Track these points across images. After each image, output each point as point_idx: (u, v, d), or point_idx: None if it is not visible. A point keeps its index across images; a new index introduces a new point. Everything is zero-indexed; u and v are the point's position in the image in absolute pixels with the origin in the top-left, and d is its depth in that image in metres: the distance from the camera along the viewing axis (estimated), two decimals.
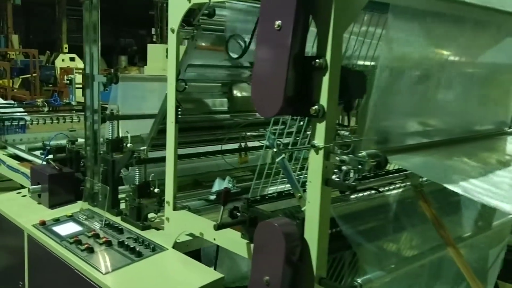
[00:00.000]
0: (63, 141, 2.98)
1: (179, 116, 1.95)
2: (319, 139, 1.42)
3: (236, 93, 2.98)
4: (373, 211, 1.75)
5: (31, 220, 2.36)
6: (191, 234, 2.04)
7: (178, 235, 2.00)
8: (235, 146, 2.79)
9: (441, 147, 1.68)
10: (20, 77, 15.57)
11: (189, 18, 1.94)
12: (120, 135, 2.45)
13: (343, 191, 1.76)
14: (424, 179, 1.66)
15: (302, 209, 1.55)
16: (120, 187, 2.45)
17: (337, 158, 1.41)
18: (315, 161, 1.43)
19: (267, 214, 1.63)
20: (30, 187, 2.60)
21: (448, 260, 1.76)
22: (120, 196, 2.44)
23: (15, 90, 14.37)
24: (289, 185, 1.83)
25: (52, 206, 2.51)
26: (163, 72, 6.30)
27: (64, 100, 4.26)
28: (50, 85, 15.69)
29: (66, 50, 17.46)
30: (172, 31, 1.91)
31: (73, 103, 4.18)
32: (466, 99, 1.78)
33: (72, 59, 15.47)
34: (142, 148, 2.30)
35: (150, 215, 2.22)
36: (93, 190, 2.49)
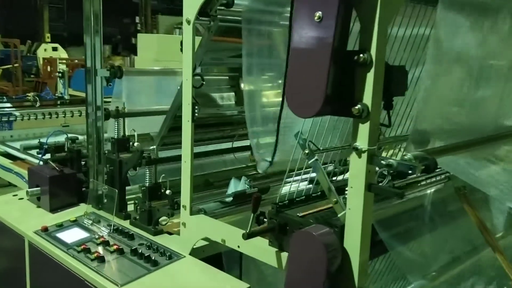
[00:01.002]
0: (60, 139, 2.81)
1: (196, 114, 1.81)
2: (361, 141, 1.30)
3: (244, 86, 2.84)
4: (408, 214, 1.65)
5: (31, 226, 2.20)
6: (206, 239, 1.92)
7: (196, 241, 1.87)
8: (244, 142, 2.66)
9: (480, 146, 1.58)
10: (1, 67, 15.12)
11: (205, 8, 1.79)
12: (126, 134, 2.31)
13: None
14: None
15: (339, 215, 1.44)
16: (127, 187, 2.31)
17: (383, 162, 1.30)
18: (357, 165, 1.32)
19: (300, 221, 1.51)
20: (29, 189, 2.44)
21: (485, 263, 1.68)
22: (128, 196, 2.30)
23: None
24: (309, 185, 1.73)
25: (53, 210, 2.36)
26: (156, 64, 6.09)
27: (57, 94, 4.06)
28: (33, 76, 15.27)
29: (49, 40, 17.00)
30: (188, 22, 1.77)
31: (66, 96, 3.99)
32: (503, 95, 1.67)
33: (54, 49, 15.06)
34: (151, 147, 2.16)
35: (162, 219, 2.09)
36: (98, 192, 2.34)
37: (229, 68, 2.73)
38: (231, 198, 2.08)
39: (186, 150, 1.85)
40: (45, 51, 15.37)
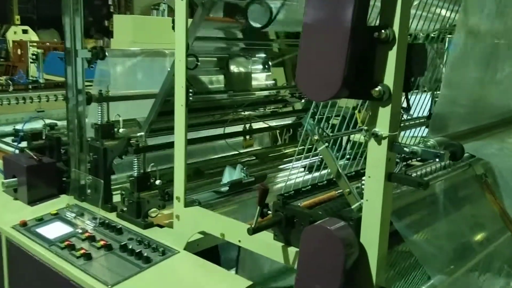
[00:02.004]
0: (37, 125, 2.62)
1: (190, 98, 1.67)
2: (382, 127, 1.19)
3: (233, 68, 2.70)
4: (422, 203, 1.55)
5: (8, 220, 2.03)
6: (203, 232, 1.78)
7: (191, 235, 1.74)
8: (236, 128, 2.53)
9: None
10: None
11: None
12: (110, 119, 2.14)
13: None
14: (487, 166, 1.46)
15: (353, 207, 1.33)
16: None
17: (406, 149, 1.18)
18: (377, 153, 1.20)
19: (309, 214, 1.39)
20: (4, 180, 2.25)
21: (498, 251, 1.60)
22: (112, 186, 2.15)
23: None
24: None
25: (31, 202, 2.18)
26: (133, 45, 5.83)
27: (31, 78, 3.83)
28: (2, 60, 14.70)
29: (18, 22, 16.36)
30: None
31: (41, 80, 3.76)
32: None
33: (25, 31, 14.48)
34: (139, 134, 2.00)
35: (152, 211, 1.95)
36: (80, 183, 2.18)
37: (217, 49, 2.58)
38: (227, 188, 1.95)
39: (179, 137, 1.70)
40: (15, 33, 14.76)
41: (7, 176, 2.28)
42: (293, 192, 1.50)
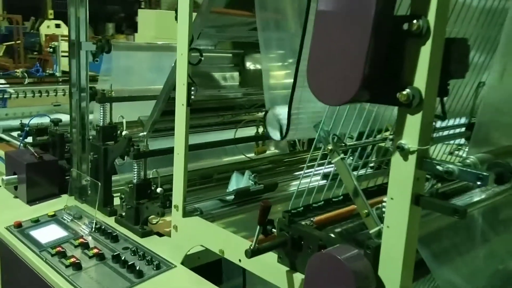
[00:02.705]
0: (46, 120, 2.50)
1: (192, 97, 1.49)
2: (410, 138, 0.98)
3: (249, 65, 2.51)
4: (454, 226, 1.33)
5: (4, 220, 1.91)
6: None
7: (188, 249, 1.56)
8: (249, 130, 2.34)
9: None
10: (4, 44, 14.80)
11: None
12: (114, 120, 1.98)
13: None
14: None
15: (371, 231, 1.13)
16: (113, 177, 2.00)
17: (440, 167, 0.97)
18: (402, 170, 1.00)
19: (319, 236, 1.19)
20: (4, 177, 2.13)
21: None
22: (114, 188, 1.99)
23: None
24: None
25: (30, 201, 2.05)
26: (155, 41, 5.70)
27: (48, 71, 3.74)
28: (35, 53, 14.95)
29: (52, 16, 16.63)
30: None
31: (58, 73, 3.66)
32: None
33: (57, 26, 14.69)
34: (141, 134, 1.83)
35: (152, 217, 1.79)
36: (81, 183, 2.03)
37: (232, 43, 2.39)
38: (232, 196, 1.76)
39: (179, 139, 1.53)
40: (48, 27, 15.03)
41: (8, 173, 2.17)
42: (302, 208, 1.30)
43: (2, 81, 3.68)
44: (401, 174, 1.00)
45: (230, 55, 2.38)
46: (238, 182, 1.83)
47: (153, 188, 1.83)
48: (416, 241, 1.07)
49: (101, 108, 1.93)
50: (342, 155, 1.18)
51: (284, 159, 2.39)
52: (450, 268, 1.29)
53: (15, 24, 14.47)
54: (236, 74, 2.42)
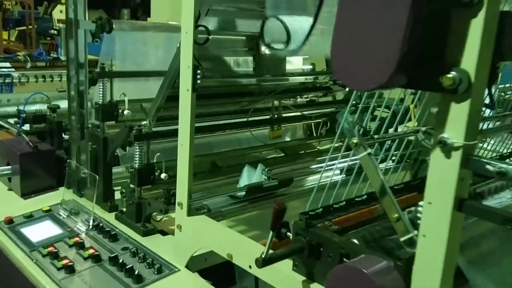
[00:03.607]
0: (44, 106, 2.36)
1: (198, 81, 1.32)
2: (454, 132, 0.80)
3: (265, 49, 2.33)
4: (494, 230, 1.16)
5: None
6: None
7: (193, 252, 1.41)
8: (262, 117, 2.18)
9: None
10: (16, 29, 14.74)
11: None
12: (114, 99, 1.83)
13: None
14: None
15: (402, 239, 0.96)
16: (114, 169, 1.85)
17: (489, 167, 0.80)
18: (444, 169, 0.82)
19: (340, 243, 1.03)
20: None
21: None
22: (115, 181, 1.85)
23: (10, 43, 13.59)
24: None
25: (25, 194, 1.91)
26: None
27: (52, 54, 3.60)
28: (48, 38, 14.87)
29: (64, 1, 16.45)
30: None
31: (62, 57, 3.51)
32: None
33: None
34: (144, 122, 1.68)
35: (156, 214, 1.64)
36: (80, 175, 1.89)
37: (246, 25, 2.21)
38: (243, 193, 1.60)
39: (183, 129, 1.37)
40: (60, 12, 14.90)
41: (2, 163, 2.03)
42: (321, 210, 1.14)
43: (7, 64, 3.55)
44: (442, 175, 0.82)
45: (244, 38, 2.20)
46: (250, 176, 1.67)
47: (157, 173, 1.68)
48: (458, 252, 0.90)
49: (101, 84, 1.77)
50: (369, 150, 1.01)
51: (299, 147, 2.23)
52: (485, 275, 1.13)
53: (27, 9, 14.39)
54: (250, 59, 2.25)
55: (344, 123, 1.03)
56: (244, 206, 1.59)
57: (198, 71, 1.32)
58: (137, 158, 1.61)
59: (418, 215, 0.91)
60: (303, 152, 2.21)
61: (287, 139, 2.43)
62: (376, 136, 1.06)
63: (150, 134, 1.64)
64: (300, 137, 2.55)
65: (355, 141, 1.02)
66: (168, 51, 1.98)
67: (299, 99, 2.49)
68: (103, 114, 1.74)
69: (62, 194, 1.89)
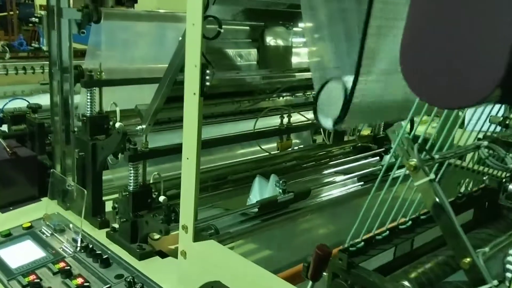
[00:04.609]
0: (24, 104, 2.11)
1: (207, 83, 1.10)
2: None
3: (270, 41, 2.11)
4: None
5: None
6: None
7: (201, 284, 1.19)
8: (271, 120, 1.96)
9: None
10: None
11: None
12: (104, 108, 1.59)
13: None
14: None
15: None
16: (104, 175, 1.62)
17: None
18: None
19: None
20: None
21: None
22: (105, 189, 1.62)
23: None
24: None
25: (3, 207, 1.68)
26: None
27: (33, 44, 3.33)
28: (31, 25, 14.41)
29: None
30: None
31: (44, 47, 3.25)
32: None
33: None
34: (139, 127, 1.45)
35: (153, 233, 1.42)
36: (65, 187, 1.66)
37: (249, 14, 1.98)
38: (255, 209, 1.39)
39: (189, 140, 1.14)
40: None
41: None
42: (362, 244, 0.93)
43: None
44: None
45: (248, 28, 1.97)
46: (261, 189, 1.46)
47: (154, 195, 1.46)
48: None
49: (88, 94, 1.54)
50: (432, 176, 0.80)
51: (310, 154, 2.02)
52: None
53: None
54: (253, 51, 2.02)
55: (400, 140, 0.82)
56: (257, 224, 1.38)
57: (207, 71, 1.09)
58: (131, 180, 1.38)
59: (509, 266, 0.70)
60: (313, 157, 2.00)
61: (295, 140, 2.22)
62: (436, 156, 0.85)
63: (146, 153, 1.41)
64: (306, 139, 2.34)
65: (413, 163, 0.81)
66: (164, 43, 1.75)
67: (304, 96, 2.28)
68: (91, 128, 1.51)
69: (45, 206, 1.66)
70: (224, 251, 1.17)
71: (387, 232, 0.99)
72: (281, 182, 1.43)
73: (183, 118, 1.35)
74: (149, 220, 1.38)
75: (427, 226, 1.05)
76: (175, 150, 1.42)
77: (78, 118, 1.64)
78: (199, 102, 1.11)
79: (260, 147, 1.89)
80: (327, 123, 0.97)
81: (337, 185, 1.69)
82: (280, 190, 1.43)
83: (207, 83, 1.10)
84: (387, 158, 1.94)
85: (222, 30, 1.18)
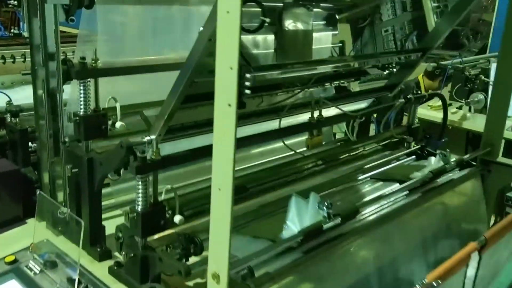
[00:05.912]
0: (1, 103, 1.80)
1: (247, 91, 0.81)
2: None
3: (288, 24, 1.81)
4: None
5: None
6: None
7: None
8: (297, 118, 1.67)
9: None
10: None
11: None
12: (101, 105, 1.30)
13: None
14: None
15: None
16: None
17: None
18: None
19: None
20: None
21: None
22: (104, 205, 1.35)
23: None
24: None
25: None
26: None
27: (12, 30, 2.98)
28: (11, 6, 13.83)
29: None
30: None
31: (25, 33, 2.90)
32: None
33: None
34: (146, 139, 1.16)
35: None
36: (56, 214, 1.36)
37: None
38: (298, 240, 1.12)
39: (221, 165, 0.86)
40: None
41: None
42: None
43: None
44: None
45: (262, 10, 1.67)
46: (300, 211, 1.18)
47: (168, 215, 1.19)
48: None
49: (81, 87, 1.24)
50: None
51: (339, 153, 1.75)
52: None
53: None
54: (270, 37, 1.72)
55: None
56: (299, 258, 1.11)
57: (247, 75, 0.80)
58: (140, 197, 1.10)
59: None
60: (342, 158, 1.73)
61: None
62: None
63: (158, 163, 1.12)
64: (328, 134, 2.07)
65: None
66: (172, 31, 1.45)
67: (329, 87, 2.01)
68: (86, 130, 1.21)
69: (33, 232, 1.37)
70: None
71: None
72: (327, 203, 1.16)
73: (197, 124, 1.10)
74: (163, 257, 1.11)
75: None
76: (193, 156, 1.15)
77: (69, 118, 1.34)
78: (234, 116, 0.82)
79: (285, 144, 1.61)
80: None
81: (382, 196, 1.43)
82: (326, 213, 1.16)
83: (247, 91, 0.81)
84: (432, 160, 1.67)
85: (268, 20, 0.89)
